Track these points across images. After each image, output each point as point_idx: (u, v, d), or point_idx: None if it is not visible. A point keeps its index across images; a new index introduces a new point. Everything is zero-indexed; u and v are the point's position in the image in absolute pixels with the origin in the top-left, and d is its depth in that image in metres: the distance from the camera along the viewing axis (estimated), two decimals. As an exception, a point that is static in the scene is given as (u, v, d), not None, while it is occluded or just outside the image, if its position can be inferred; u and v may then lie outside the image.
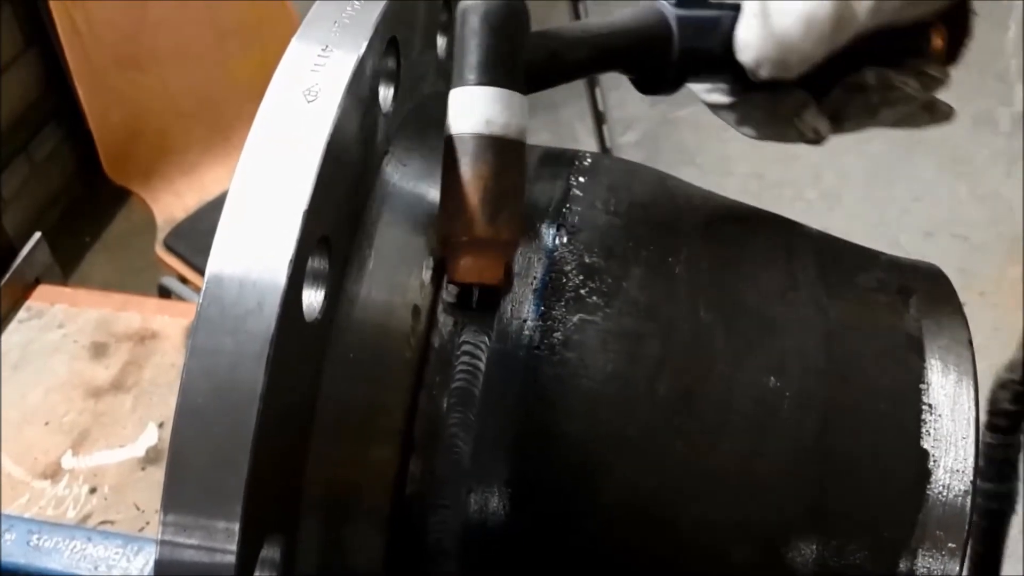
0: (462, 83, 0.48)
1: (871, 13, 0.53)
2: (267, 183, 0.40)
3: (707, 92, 0.59)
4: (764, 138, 0.59)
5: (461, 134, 0.48)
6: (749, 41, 0.53)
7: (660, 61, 0.55)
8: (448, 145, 0.48)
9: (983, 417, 0.91)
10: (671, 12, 0.54)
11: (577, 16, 2.86)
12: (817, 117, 0.58)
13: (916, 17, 0.56)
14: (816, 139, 0.58)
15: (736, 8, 0.54)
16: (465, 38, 0.49)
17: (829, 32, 0.52)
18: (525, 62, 0.50)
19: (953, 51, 0.60)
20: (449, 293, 0.49)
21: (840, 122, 0.59)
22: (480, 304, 0.48)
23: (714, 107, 0.60)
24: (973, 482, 0.48)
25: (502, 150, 0.48)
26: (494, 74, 0.48)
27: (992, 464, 0.96)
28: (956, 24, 0.59)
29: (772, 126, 0.59)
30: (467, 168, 0.47)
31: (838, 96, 0.58)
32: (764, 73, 0.54)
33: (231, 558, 0.37)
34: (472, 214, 0.47)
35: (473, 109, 0.48)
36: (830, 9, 0.52)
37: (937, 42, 0.58)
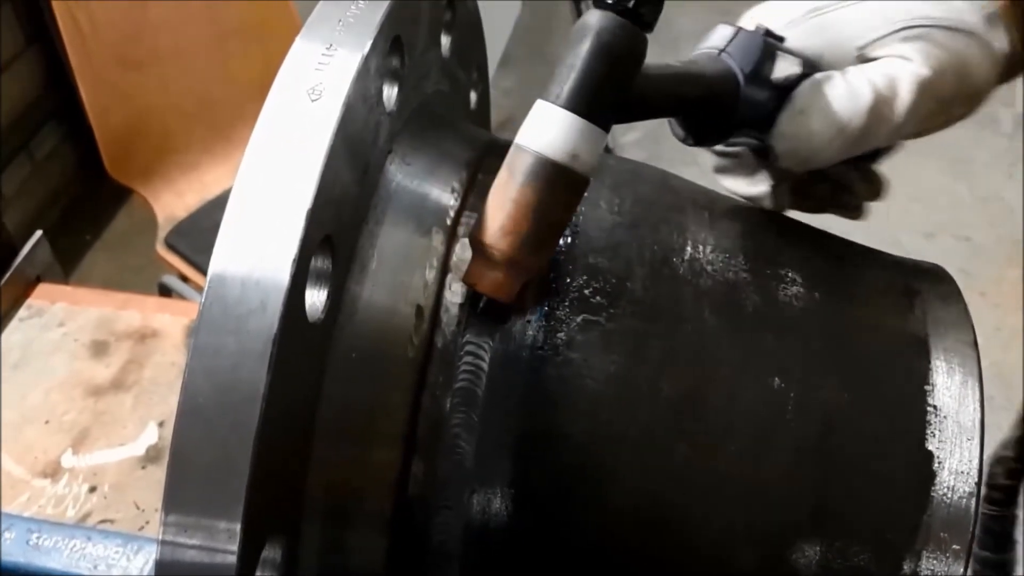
0: (553, 99, 0.47)
1: (890, 136, 0.55)
2: (271, 182, 0.40)
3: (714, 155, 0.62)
4: (734, 192, 0.62)
5: (530, 149, 0.47)
6: (789, 134, 0.55)
7: (720, 119, 0.55)
8: (525, 156, 0.47)
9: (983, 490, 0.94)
10: (741, 79, 0.54)
11: (579, 14, 2.85)
12: (787, 193, 0.61)
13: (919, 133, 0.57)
14: (777, 208, 0.61)
15: (787, 90, 0.54)
16: (575, 56, 0.47)
17: (852, 145, 0.54)
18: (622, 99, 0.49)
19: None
20: (458, 289, 0.48)
21: (799, 200, 0.62)
22: (484, 312, 0.48)
23: (708, 150, 0.62)
24: (978, 484, 0.48)
25: (561, 180, 0.47)
26: (588, 106, 0.47)
27: (989, 535, 0.99)
28: None
29: (750, 188, 0.61)
30: (520, 185, 0.46)
31: (807, 178, 0.61)
32: (786, 164, 0.56)
33: (232, 559, 0.37)
34: (520, 237, 0.46)
35: (551, 130, 0.46)
36: (862, 123, 0.53)
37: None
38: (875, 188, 0.63)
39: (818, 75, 0.55)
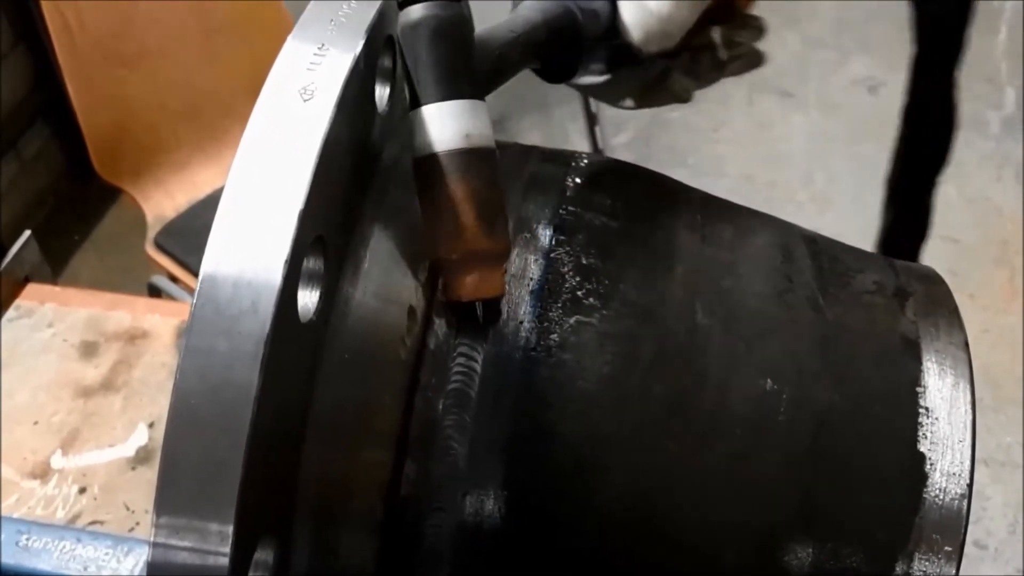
0: (428, 99, 0.47)
1: None
2: (262, 182, 0.39)
3: (579, 76, 0.63)
4: (642, 106, 0.65)
5: (443, 151, 0.47)
6: (633, 23, 0.58)
7: (572, 51, 0.58)
8: (427, 165, 0.47)
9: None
10: (573, 4, 0.57)
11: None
12: (682, 78, 0.64)
13: None
14: (687, 97, 0.65)
15: None
16: (419, 54, 0.48)
17: (697, 1, 0.59)
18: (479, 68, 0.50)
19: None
20: (455, 310, 0.48)
21: (698, 79, 0.65)
22: (487, 318, 0.48)
23: (588, 88, 0.64)
24: (969, 485, 0.48)
25: (485, 161, 0.47)
26: (459, 86, 0.47)
27: None
28: None
29: (646, 94, 0.65)
30: (457, 184, 0.46)
31: (689, 58, 0.64)
32: (652, 48, 0.59)
33: (224, 560, 0.37)
34: (471, 230, 0.46)
35: (448, 125, 0.47)
36: None
37: None
38: (758, 27, 0.67)
39: None
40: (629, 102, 0.65)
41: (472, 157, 0.47)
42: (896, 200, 1.09)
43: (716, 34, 0.65)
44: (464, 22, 0.49)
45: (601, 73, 0.63)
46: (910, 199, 1.09)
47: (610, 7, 0.58)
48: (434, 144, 0.47)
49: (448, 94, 0.47)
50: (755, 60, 0.68)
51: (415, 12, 0.48)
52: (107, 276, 2.55)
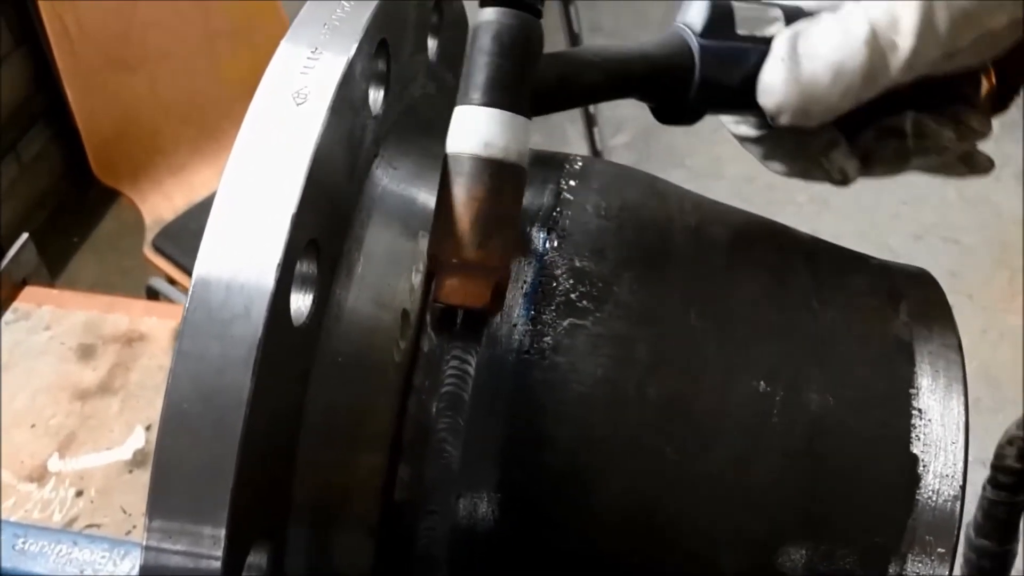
0: (466, 101, 0.47)
1: (904, 69, 0.50)
2: (255, 186, 0.39)
3: (734, 123, 0.58)
4: (790, 175, 0.58)
5: (458, 153, 0.47)
6: (773, 86, 0.51)
7: (679, 91, 0.53)
8: (446, 162, 0.47)
9: (986, 472, 0.90)
10: (695, 41, 0.52)
11: (568, 17, 2.86)
12: (846, 158, 0.56)
13: (959, 70, 0.53)
14: (843, 181, 0.57)
15: (765, 43, 0.52)
16: (474, 55, 0.47)
17: (858, 85, 0.50)
18: (534, 85, 0.49)
19: (1005, 97, 0.58)
20: (434, 312, 0.48)
21: (870, 165, 0.57)
22: (464, 326, 0.48)
23: (741, 139, 0.58)
24: (962, 487, 0.48)
25: (499, 173, 0.47)
26: (499, 95, 0.47)
27: (990, 520, 0.91)
28: (1011, 68, 0.56)
29: (798, 163, 0.57)
30: (461, 189, 0.46)
31: (870, 138, 0.57)
32: (784, 120, 0.52)
33: (217, 564, 0.37)
34: (462, 236, 0.46)
35: (473, 129, 0.47)
36: (862, 60, 0.49)
37: (985, 88, 0.57)
38: (972, 127, 0.57)
39: (801, 20, 0.52)
40: (776, 166, 0.58)
41: (484, 166, 0.47)
42: None
43: (908, 121, 0.56)
44: (529, 35, 0.48)
45: (755, 127, 0.57)
46: None
47: (757, 60, 0.52)
48: (453, 144, 0.47)
49: (484, 100, 0.47)
50: (967, 166, 0.59)
51: (484, 15, 0.48)
52: (106, 278, 2.56)
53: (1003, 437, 0.88)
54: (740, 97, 0.53)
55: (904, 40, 0.49)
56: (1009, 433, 0.88)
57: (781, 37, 0.51)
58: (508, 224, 0.48)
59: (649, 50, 0.53)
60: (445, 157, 0.47)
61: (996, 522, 0.91)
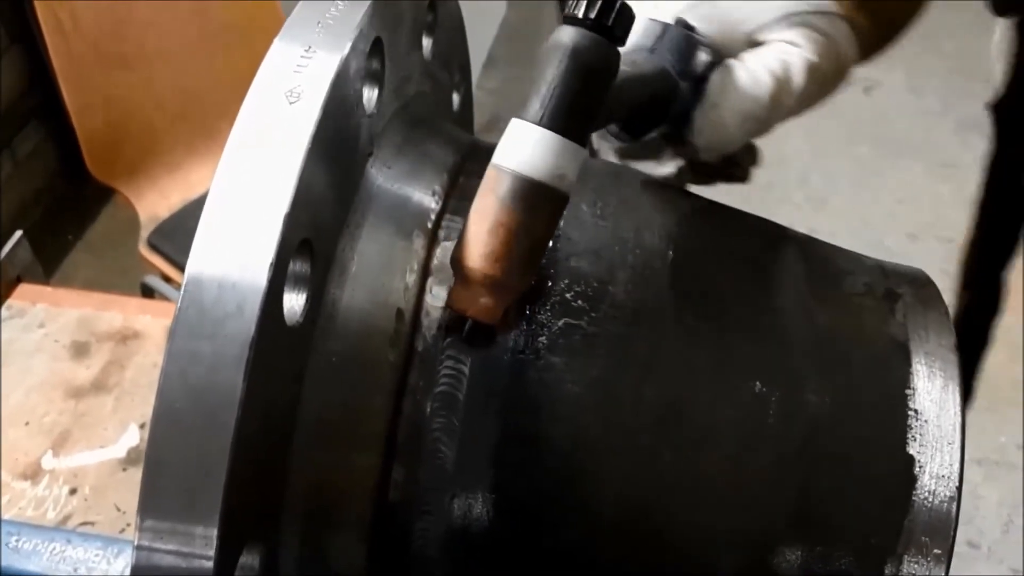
0: (531, 117, 0.46)
1: (782, 119, 0.60)
2: (248, 185, 0.39)
3: (656, 166, 0.64)
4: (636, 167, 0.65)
5: (509, 169, 0.46)
6: (704, 129, 0.58)
7: (659, 116, 0.58)
8: (496, 172, 0.46)
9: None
10: (675, 76, 0.57)
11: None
12: (687, 172, 0.65)
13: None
14: (678, 183, 0.64)
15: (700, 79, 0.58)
16: (549, 73, 0.46)
17: (754, 130, 0.60)
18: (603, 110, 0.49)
19: None
20: (445, 314, 0.48)
21: (696, 176, 0.67)
22: (469, 336, 0.47)
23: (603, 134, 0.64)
24: (959, 488, 0.48)
25: (542, 198, 0.46)
26: (564, 121, 0.46)
27: None
28: None
29: (654, 167, 0.64)
30: (500, 205, 0.46)
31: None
32: (702, 156, 0.60)
33: (209, 564, 0.37)
34: (488, 251, 0.45)
35: (530, 149, 0.46)
36: (764, 111, 0.58)
37: None
38: (754, 156, 0.69)
39: (720, 67, 0.58)
40: (634, 164, 0.64)
41: (550, 196, 0.46)
42: (970, 281, 1.14)
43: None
44: (612, 71, 0.48)
45: (625, 139, 0.62)
46: (984, 280, 1.11)
47: (690, 97, 0.58)
48: (526, 165, 0.46)
49: (564, 130, 0.46)
50: (743, 180, 0.70)
51: (568, 33, 0.46)
52: (101, 276, 2.55)
53: None
54: (666, 123, 0.59)
55: (793, 95, 0.59)
56: None
57: (713, 86, 0.58)
58: (537, 249, 0.47)
59: (647, 79, 0.56)
60: (503, 170, 0.46)
61: None
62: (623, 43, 0.47)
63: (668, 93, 0.57)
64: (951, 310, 0.54)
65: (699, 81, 0.58)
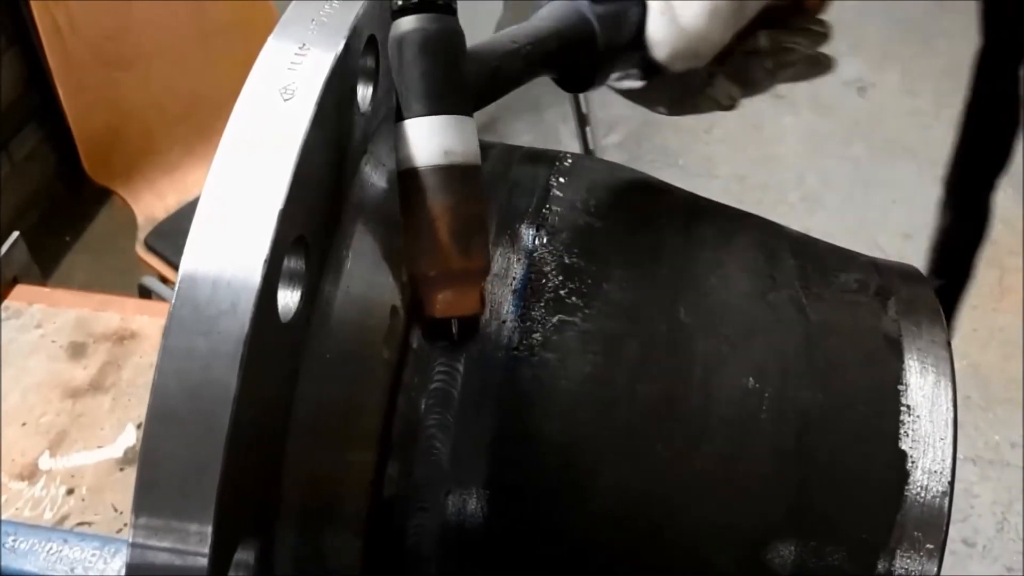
0: (412, 114, 0.46)
1: None
2: (242, 182, 0.39)
3: (616, 80, 0.61)
4: (679, 113, 0.62)
5: (421, 167, 0.46)
6: (660, 39, 0.55)
7: (588, 59, 0.56)
8: (406, 180, 0.46)
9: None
10: (589, 9, 0.55)
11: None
12: (727, 84, 0.61)
13: None
14: (731, 105, 0.61)
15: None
16: (406, 67, 0.47)
17: (732, 19, 0.55)
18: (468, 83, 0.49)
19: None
20: (426, 325, 0.48)
21: (746, 86, 0.62)
22: (461, 335, 0.47)
23: (625, 93, 0.61)
24: (951, 483, 0.48)
25: (464, 178, 0.47)
26: (443, 102, 0.47)
27: None
28: None
29: (686, 101, 0.61)
30: (433, 201, 0.46)
31: (738, 63, 0.61)
32: (679, 66, 0.56)
33: (204, 561, 0.37)
34: (445, 248, 0.46)
35: (429, 140, 0.46)
36: None
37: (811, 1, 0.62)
38: (816, 31, 0.63)
39: None
40: (663, 109, 0.62)
41: (451, 174, 0.46)
42: (954, 202, 1.05)
43: (764, 39, 0.61)
44: (453, 35, 0.48)
45: (638, 79, 0.60)
46: (969, 201, 1.05)
47: (638, 16, 0.55)
48: (413, 159, 0.46)
49: (431, 109, 0.46)
50: (816, 67, 0.64)
51: (403, 25, 0.47)
52: (98, 277, 2.55)
53: None
54: (629, 53, 0.56)
55: None
56: None
57: None
58: (481, 224, 0.48)
59: (557, 26, 0.54)
60: (404, 174, 0.46)
61: None
62: (452, 11, 0.48)
63: (584, 30, 0.55)
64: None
65: None
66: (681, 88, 0.60)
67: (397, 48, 0.47)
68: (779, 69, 0.62)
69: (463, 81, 0.48)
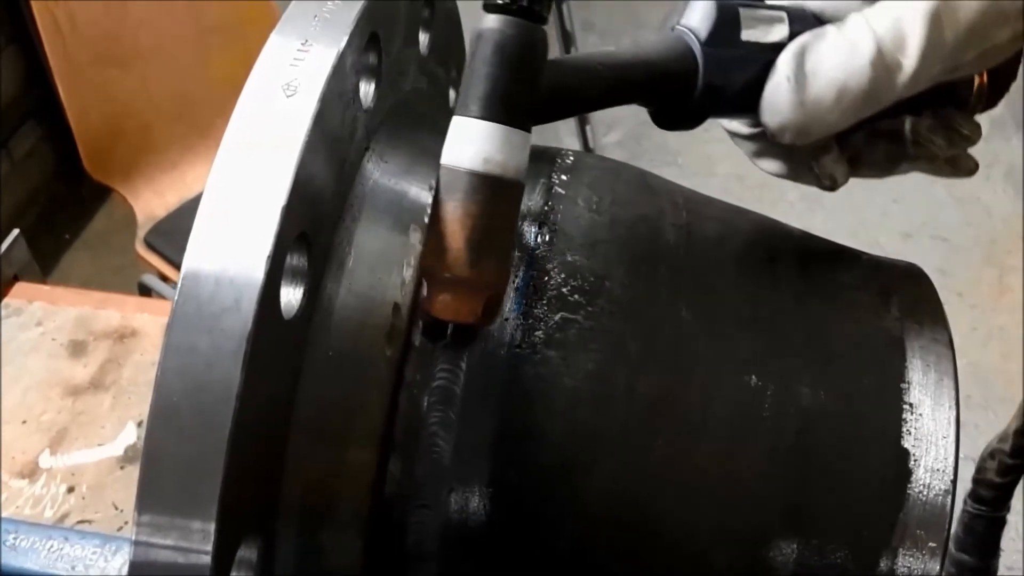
0: (465, 112, 0.46)
1: (908, 87, 0.49)
2: (245, 179, 0.39)
3: (727, 120, 0.57)
4: (779, 175, 0.57)
5: (456, 167, 0.45)
6: (777, 106, 0.50)
7: (680, 97, 0.52)
8: (444, 173, 0.46)
9: (968, 486, 0.88)
10: (699, 48, 0.51)
11: (560, 16, 2.86)
12: (836, 163, 0.56)
13: (957, 78, 0.53)
14: (831, 186, 0.56)
15: (769, 50, 0.51)
16: (475, 64, 0.46)
17: (861, 105, 0.50)
18: (536, 96, 0.47)
19: (994, 95, 0.58)
20: (424, 321, 0.47)
21: (858, 168, 0.57)
22: (454, 339, 0.47)
23: (733, 135, 0.58)
24: (953, 481, 0.48)
25: (496, 190, 0.46)
26: (499, 110, 0.45)
27: (971, 536, 0.88)
28: (1002, 66, 0.55)
29: (789, 165, 0.57)
30: (457, 204, 0.45)
31: (860, 141, 0.56)
32: (786, 139, 0.51)
33: (207, 559, 0.37)
34: (456, 253, 0.45)
35: (472, 143, 0.45)
36: (867, 80, 0.49)
37: (976, 84, 0.56)
38: (963, 133, 0.56)
39: (807, 33, 0.50)
40: (768, 164, 0.57)
41: (484, 183, 0.45)
42: None
43: (907, 124, 0.56)
44: (532, 45, 0.46)
45: (749, 125, 0.56)
46: None
47: (757, 71, 0.50)
48: (448, 155, 0.46)
49: (484, 113, 0.45)
50: (951, 169, 0.58)
51: (487, 21, 0.46)
52: (98, 275, 2.55)
53: (984, 451, 0.85)
54: (741, 103, 0.52)
55: (910, 60, 0.48)
56: (990, 447, 0.85)
57: (787, 54, 0.50)
58: (504, 242, 0.47)
59: (651, 56, 0.51)
60: (441, 167, 0.46)
61: (977, 537, 0.89)
62: (543, 20, 0.46)
63: (684, 70, 0.50)
64: None
65: (775, 53, 0.50)
66: (788, 150, 0.56)
67: (474, 42, 0.46)
68: (905, 160, 0.57)
69: (528, 94, 0.47)
